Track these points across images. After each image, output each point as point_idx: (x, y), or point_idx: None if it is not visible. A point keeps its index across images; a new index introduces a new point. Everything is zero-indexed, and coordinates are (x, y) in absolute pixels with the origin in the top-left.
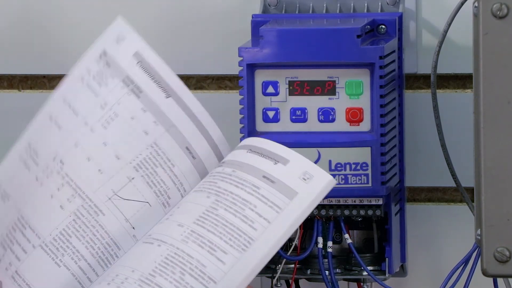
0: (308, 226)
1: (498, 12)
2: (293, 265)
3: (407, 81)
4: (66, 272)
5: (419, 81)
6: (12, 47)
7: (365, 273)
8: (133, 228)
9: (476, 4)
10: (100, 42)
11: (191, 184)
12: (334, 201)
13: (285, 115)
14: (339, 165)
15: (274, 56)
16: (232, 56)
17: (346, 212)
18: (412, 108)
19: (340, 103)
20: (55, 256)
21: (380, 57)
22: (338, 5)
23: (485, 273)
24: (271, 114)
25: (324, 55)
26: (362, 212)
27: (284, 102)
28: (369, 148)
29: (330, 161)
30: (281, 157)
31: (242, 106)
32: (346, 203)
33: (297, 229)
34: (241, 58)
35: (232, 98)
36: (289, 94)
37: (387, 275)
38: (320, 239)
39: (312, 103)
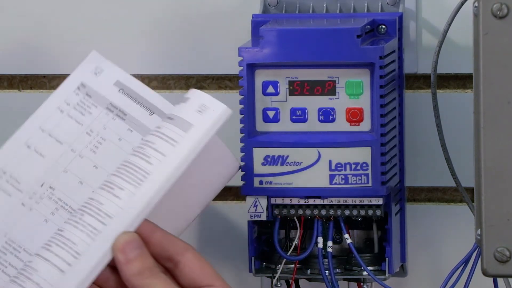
0: (308, 226)
1: (498, 12)
2: (293, 265)
3: (407, 81)
4: None
5: (419, 81)
6: (12, 47)
7: (365, 273)
8: None
9: (476, 4)
10: (76, 75)
11: None
12: (334, 201)
13: (285, 115)
14: (339, 165)
15: (274, 56)
16: (232, 56)
17: (346, 212)
18: (412, 108)
19: (340, 103)
20: None
21: (380, 57)
22: (338, 5)
23: (485, 273)
24: (271, 114)
25: (324, 55)
26: (362, 212)
27: (284, 102)
28: (369, 148)
29: (330, 161)
30: (185, 97)
31: (242, 106)
32: (346, 203)
33: (297, 229)
34: (241, 58)
35: (232, 98)
36: (289, 94)
37: (387, 275)
38: (320, 239)
39: (312, 103)
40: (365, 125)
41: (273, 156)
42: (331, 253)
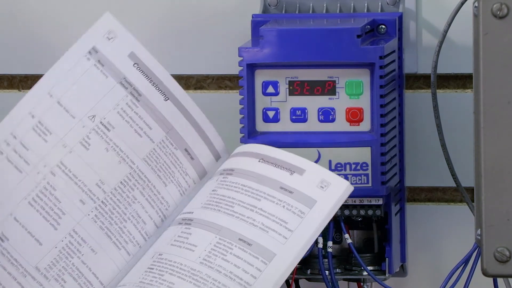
0: None
1: (498, 12)
2: None
3: (407, 81)
4: None
5: (419, 81)
6: (12, 47)
7: (365, 273)
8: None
9: (476, 4)
10: (87, 37)
11: (190, 184)
12: None
13: (285, 115)
14: (339, 165)
15: (274, 56)
16: (232, 56)
17: (346, 212)
18: (412, 108)
19: (340, 103)
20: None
21: (380, 57)
22: (338, 5)
23: (485, 273)
24: (271, 114)
25: (324, 55)
26: (362, 212)
27: (284, 102)
28: (369, 148)
29: (330, 161)
30: (295, 166)
31: (242, 106)
32: (346, 203)
33: None
34: (241, 58)
35: (232, 98)
36: (289, 94)
37: (387, 275)
38: (320, 239)
39: (312, 103)
40: (365, 125)
41: None
42: (331, 253)
